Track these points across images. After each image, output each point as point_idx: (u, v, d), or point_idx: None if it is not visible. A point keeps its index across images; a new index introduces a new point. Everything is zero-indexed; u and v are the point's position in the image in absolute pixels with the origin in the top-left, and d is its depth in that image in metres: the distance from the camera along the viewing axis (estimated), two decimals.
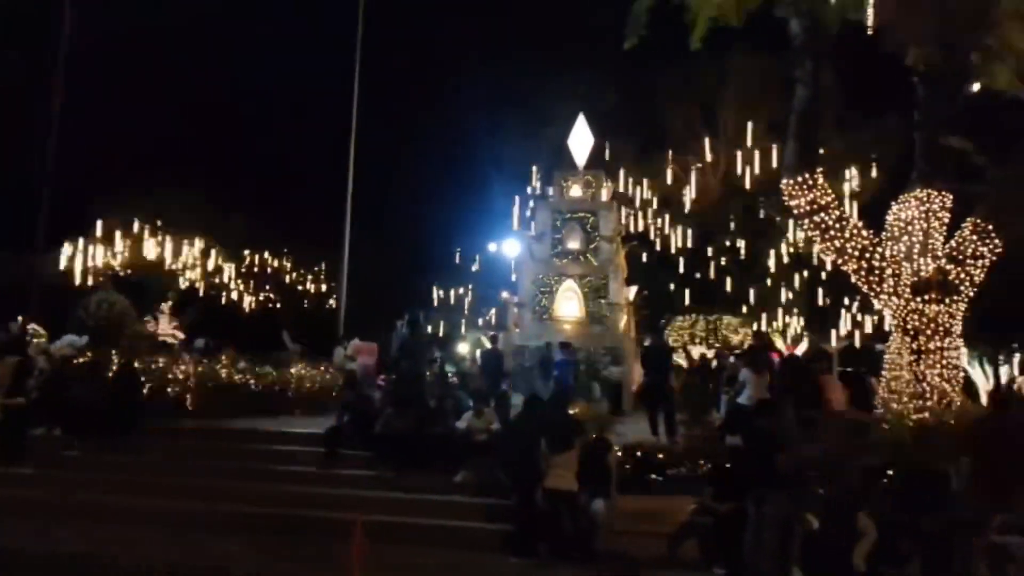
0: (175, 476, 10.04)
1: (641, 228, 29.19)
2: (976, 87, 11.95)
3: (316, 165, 31.78)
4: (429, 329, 26.72)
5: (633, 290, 22.54)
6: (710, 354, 21.06)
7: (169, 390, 12.50)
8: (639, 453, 9.43)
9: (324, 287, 34.87)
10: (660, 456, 9.42)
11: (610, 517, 8.38)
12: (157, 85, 29.43)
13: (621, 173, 27.09)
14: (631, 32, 12.12)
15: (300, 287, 34.93)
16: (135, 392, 11.42)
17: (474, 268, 31.04)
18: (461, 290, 32.15)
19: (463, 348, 29.09)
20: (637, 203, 28.80)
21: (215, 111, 30.89)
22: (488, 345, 17.36)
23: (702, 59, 22.55)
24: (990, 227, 10.93)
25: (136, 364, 12.13)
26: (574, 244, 20.87)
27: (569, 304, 20.22)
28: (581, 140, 22.68)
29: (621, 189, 27.01)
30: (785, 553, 7.46)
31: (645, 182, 28.64)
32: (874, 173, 26.26)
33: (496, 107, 32.26)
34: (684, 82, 29.60)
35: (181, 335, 19.81)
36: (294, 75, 32.59)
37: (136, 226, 26.11)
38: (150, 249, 26.27)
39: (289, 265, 34.27)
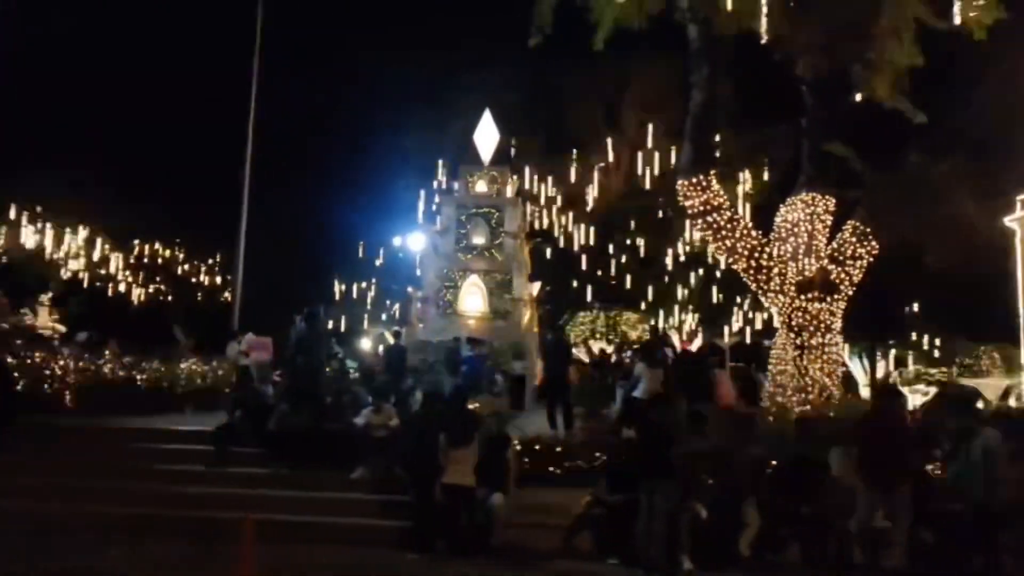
0: (48, 477, 9.41)
1: (546, 225, 29.58)
2: (858, 97, 12.62)
3: (213, 153, 30.61)
4: (330, 324, 26.23)
5: (536, 286, 22.80)
6: (610, 349, 21.56)
7: (46, 386, 11.78)
8: (537, 447, 9.55)
9: (219, 279, 33.69)
10: (558, 450, 9.56)
11: (508, 511, 8.44)
12: (44, 68, 27.69)
13: (527, 170, 27.35)
14: (536, 30, 12.21)
15: (193, 279, 33.62)
16: (6, 388, 10.69)
17: (378, 262, 30.61)
18: (364, 284, 31.65)
19: (366, 343, 28.69)
20: (542, 200, 29.16)
21: (107, 95, 29.32)
22: (391, 340, 17.21)
23: (606, 60, 23.00)
24: (868, 230, 11.60)
25: (9, 359, 11.37)
26: (479, 239, 20.94)
27: (473, 299, 20.29)
28: (487, 136, 22.76)
29: (526, 186, 27.28)
30: (674, 542, 7.71)
31: (550, 179, 29.02)
32: (766, 176, 27.46)
33: (402, 100, 31.95)
34: (588, 82, 30.08)
35: (62, 328, 18.69)
36: (191, 60, 31.33)
37: (13, 212, 24.50)
38: (28, 237, 24.69)
39: (182, 256, 32.93)
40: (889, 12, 11.31)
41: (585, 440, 9.81)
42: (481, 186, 21.86)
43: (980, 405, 14.24)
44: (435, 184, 26.12)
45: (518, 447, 9.37)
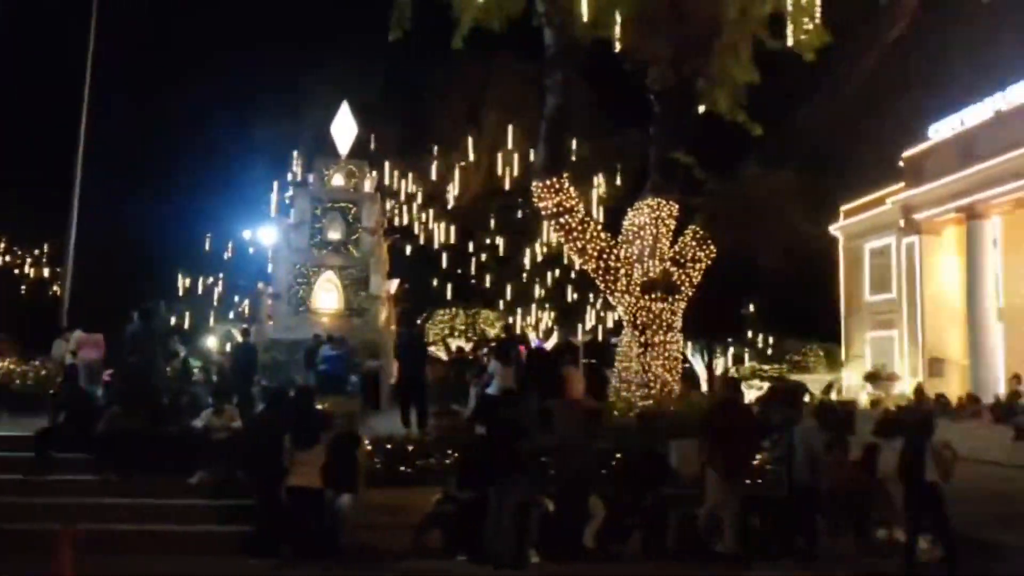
0: None
1: (405, 222, 29.38)
2: (702, 109, 13.31)
3: (43, 136, 28.14)
4: (172, 321, 24.83)
5: (394, 283, 22.57)
6: (468, 347, 21.68)
7: None
8: (389, 446, 9.45)
9: (46, 271, 31.05)
10: (410, 448, 9.50)
11: (357, 512, 8.30)
12: None
13: (386, 165, 27.05)
14: (395, 24, 12.05)
15: (16, 271, 30.82)
16: None
17: (226, 256, 29.27)
18: (211, 279, 30.16)
19: (212, 341, 27.35)
20: (402, 196, 28.93)
21: None
22: (240, 339, 16.50)
23: (469, 58, 23.10)
24: (707, 235, 12.29)
25: None
26: (335, 234, 20.44)
27: (328, 296, 19.79)
28: (344, 128, 22.24)
29: (386, 181, 26.97)
30: (522, 536, 7.86)
31: (410, 176, 28.84)
32: (619, 181, 28.56)
33: (257, 89, 30.72)
34: (451, 79, 30.15)
35: None
36: (17, 35, 28.60)
37: None
38: None
39: (3, 246, 30.09)
40: (729, 30, 12.00)
41: (438, 438, 9.81)
42: (338, 179, 21.34)
43: (806, 398, 15.48)
44: (289, 176, 25.32)
45: (369, 447, 9.24)
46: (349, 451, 8.45)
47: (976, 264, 29.12)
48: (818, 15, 11.52)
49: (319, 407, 9.18)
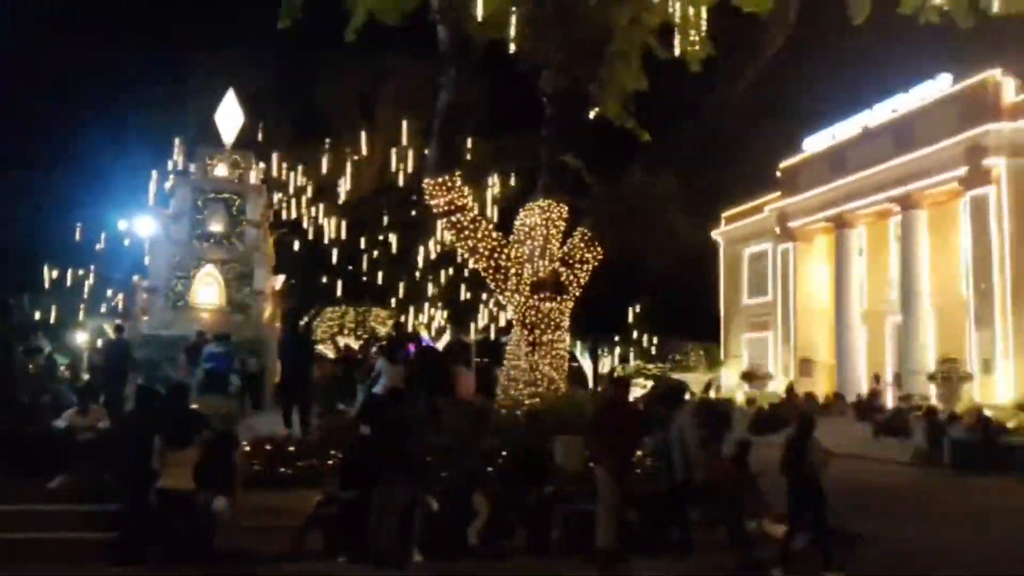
0: None
1: (294, 216, 28.57)
2: (592, 114, 13.59)
3: None
4: (37, 315, 23.22)
5: (280, 279, 21.95)
6: (356, 345, 21.31)
7: None
8: (269, 447, 9.16)
9: None
10: (291, 449, 9.24)
11: (233, 515, 7.99)
12: None
13: (274, 157, 26.20)
14: (285, 13, 11.69)
15: None
16: None
17: (98, 247, 27.52)
18: (81, 271, 28.31)
19: (81, 337, 25.73)
20: (291, 189, 28.11)
21: None
22: (113, 334, 15.62)
23: (363, 51, 22.69)
24: (595, 237, 12.55)
25: None
26: (217, 227, 19.67)
27: (208, 291, 19.02)
28: (230, 117, 21.44)
29: (274, 173, 26.14)
30: (406, 535, 7.79)
31: (300, 168, 28.06)
32: (513, 181, 28.77)
33: (136, 71, 29.12)
34: (344, 72, 29.56)
35: None
36: None
37: None
38: None
39: None
40: (620, 38, 12.31)
41: (321, 439, 9.59)
42: (222, 170, 20.53)
43: (687, 396, 16.04)
44: (170, 164, 24.03)
45: (247, 448, 8.92)
46: (225, 452, 8.12)
47: (843, 271, 31.11)
48: (704, 28, 11.99)
49: (193, 406, 8.78)
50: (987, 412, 19.69)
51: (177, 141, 24.69)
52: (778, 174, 34.64)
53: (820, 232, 32.94)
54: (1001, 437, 18.13)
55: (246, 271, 19.38)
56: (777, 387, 30.82)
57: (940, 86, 26.81)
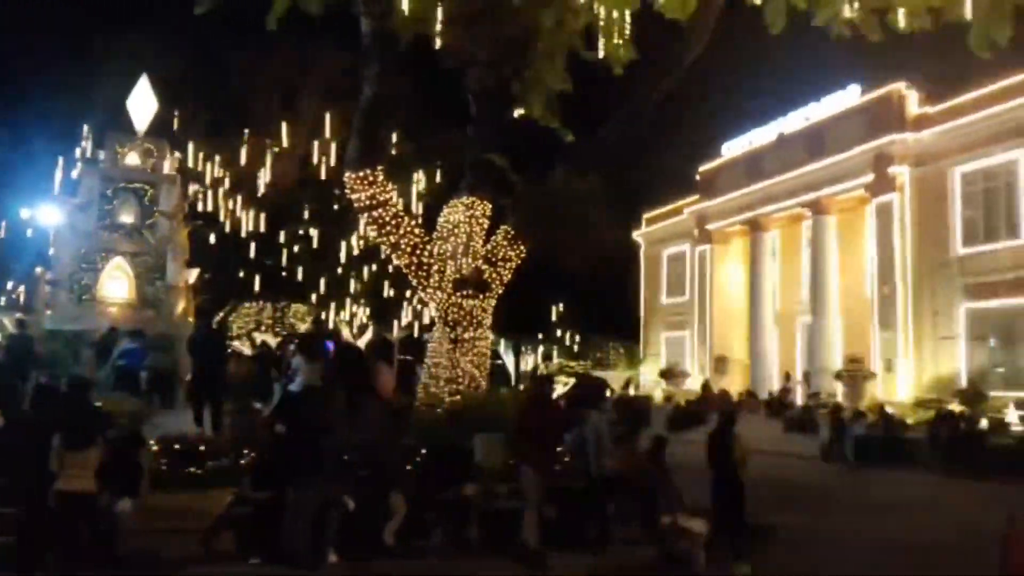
0: None
1: (210, 207, 27.62)
2: (517, 113, 13.62)
3: None
4: None
5: (194, 273, 21.24)
6: (274, 342, 20.82)
7: None
8: (178, 447, 8.85)
9: None
10: (201, 449, 8.96)
11: (139, 517, 7.69)
12: None
13: (190, 146, 25.27)
14: None
15: None
16: None
17: None
18: None
19: None
20: (207, 180, 27.18)
21: None
22: (14, 329, 14.80)
23: (286, 40, 22.15)
24: (518, 235, 12.60)
25: None
26: (127, 218, 18.91)
27: (117, 284, 18.26)
28: (143, 103, 20.62)
29: (189, 163, 25.23)
30: (321, 536, 7.64)
31: (217, 159, 27.16)
32: (439, 178, 28.58)
33: (43, 52, 27.66)
34: (265, 61, 28.80)
35: None
36: None
37: None
38: None
39: None
40: (545, 38, 12.36)
41: (233, 438, 9.32)
42: (133, 158, 19.73)
43: (608, 393, 16.30)
44: (77, 152, 22.92)
45: (155, 447, 8.60)
46: (131, 452, 7.80)
47: (757, 273, 32.17)
48: (627, 32, 12.16)
49: (97, 404, 8.39)
50: (889, 409, 20.72)
51: (85, 127, 23.56)
52: (697, 178, 35.56)
53: (736, 235, 33.97)
54: (901, 432, 19.10)
55: (158, 264, 18.69)
56: (694, 384, 31.66)
57: (850, 96, 28.01)
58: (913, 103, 26.02)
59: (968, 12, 9.05)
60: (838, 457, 18.58)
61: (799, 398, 27.48)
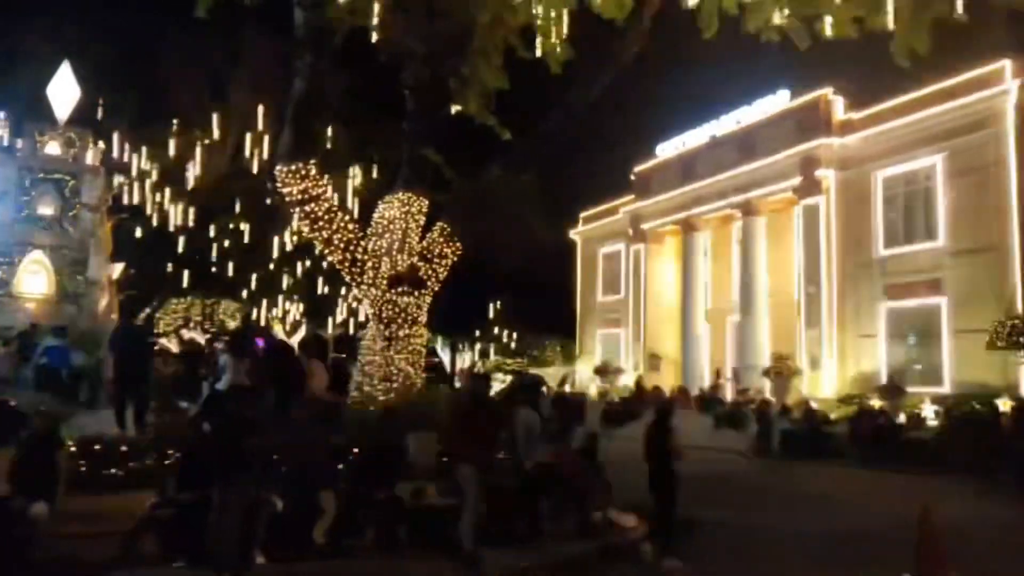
0: None
1: (136, 200, 26.71)
2: (454, 109, 13.56)
3: None
4: None
5: (119, 267, 20.54)
6: (202, 339, 20.29)
7: None
8: (98, 447, 8.52)
9: None
10: (123, 449, 8.64)
11: (55, 521, 7.37)
12: None
13: (115, 136, 24.40)
14: None
15: None
16: None
17: None
18: None
19: None
20: (133, 172, 26.26)
21: None
22: None
23: (217, 29, 21.52)
24: (454, 232, 12.56)
25: None
26: (47, 210, 18.17)
27: (35, 279, 17.54)
28: (65, 91, 19.81)
29: (114, 154, 24.35)
30: (248, 537, 7.46)
31: (144, 150, 26.28)
32: (375, 173, 28.28)
33: None
34: (195, 50, 27.94)
35: None
36: None
37: None
38: None
39: None
40: (482, 35, 12.35)
41: (157, 438, 9.03)
42: (54, 148, 18.96)
43: (544, 390, 16.40)
44: None
45: (73, 448, 8.26)
46: (46, 453, 7.47)
47: (690, 272, 32.82)
48: (565, 31, 12.22)
49: (11, 403, 8.03)
50: (813, 404, 21.41)
51: (2, 114, 22.49)
52: (632, 178, 36.06)
53: (670, 234, 34.58)
54: (825, 427, 19.75)
55: (80, 258, 18.02)
56: (628, 381, 32.12)
57: (779, 101, 28.80)
58: (839, 109, 26.90)
59: (890, 22, 9.40)
60: (765, 452, 19.12)
61: (729, 394, 28.15)
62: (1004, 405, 18.05)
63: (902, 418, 19.54)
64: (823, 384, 25.61)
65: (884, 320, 25.21)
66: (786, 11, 10.03)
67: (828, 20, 9.93)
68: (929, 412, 20.29)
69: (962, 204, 23.10)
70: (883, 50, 9.89)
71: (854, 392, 23.61)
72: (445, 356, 41.33)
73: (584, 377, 36.00)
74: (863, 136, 25.87)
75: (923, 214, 24.43)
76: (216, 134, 26.51)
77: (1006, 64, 22.09)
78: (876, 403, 20.85)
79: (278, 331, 29.57)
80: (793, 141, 27.33)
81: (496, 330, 39.67)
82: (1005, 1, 8.32)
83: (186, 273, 28.17)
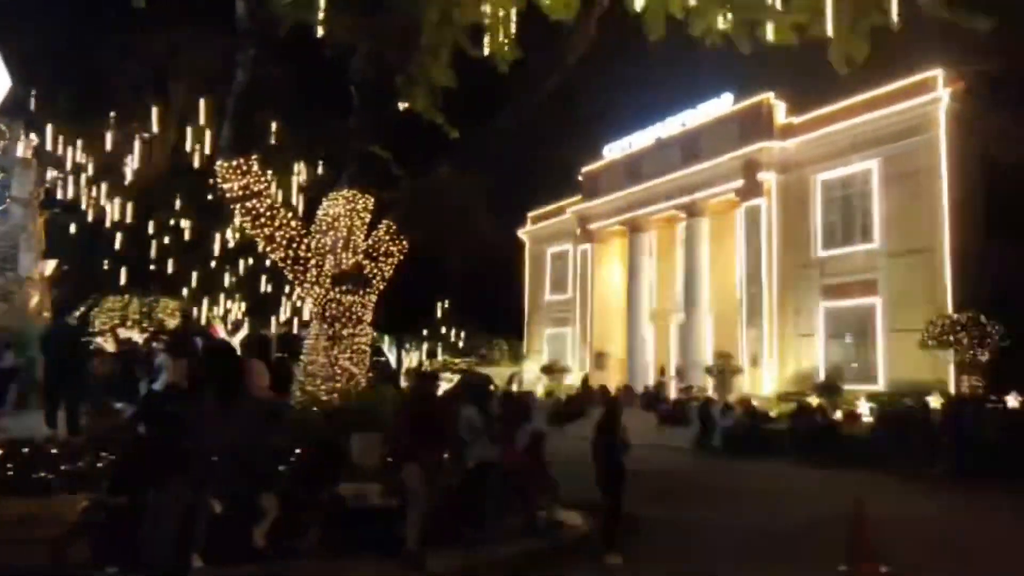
0: None
1: (71, 195, 25.83)
2: (401, 106, 13.42)
3: None
4: None
5: (51, 264, 19.81)
6: (141, 338, 19.75)
7: None
8: (26, 450, 8.21)
9: None
10: (54, 452, 8.34)
11: None
12: None
13: (49, 128, 23.54)
14: None
15: None
16: None
17: None
18: None
19: None
20: (68, 165, 25.38)
21: None
22: None
23: (157, 20, 20.98)
24: (401, 230, 12.43)
25: None
26: None
27: None
28: None
29: (48, 146, 23.49)
30: (185, 542, 7.27)
31: (80, 143, 25.42)
32: (320, 169, 27.85)
33: None
34: (135, 41, 27.15)
35: None
36: None
37: None
38: None
39: None
40: (430, 32, 12.24)
41: (89, 440, 8.74)
42: None
43: (492, 388, 16.40)
44: None
45: (0, 451, 7.94)
46: None
47: (635, 271, 33.23)
48: (513, 30, 12.21)
49: None
50: (754, 402, 21.89)
51: None
52: (580, 178, 36.33)
53: (616, 235, 34.95)
54: (765, 424, 20.21)
55: (10, 254, 17.33)
56: (574, 379, 32.36)
57: (723, 104, 29.36)
58: (780, 113, 27.56)
59: (830, 30, 9.63)
60: (708, 448, 19.45)
61: (672, 392, 28.59)
62: (935, 402, 18.75)
63: (839, 415, 20.11)
64: (764, 382, 26.20)
65: (822, 319, 25.91)
66: (729, 16, 10.20)
67: (770, 26, 10.13)
68: (865, 409, 20.94)
69: (897, 207, 23.88)
70: (823, 56, 10.13)
71: (793, 390, 24.22)
72: (392, 355, 41.03)
73: (532, 376, 36.13)
74: (803, 140, 26.54)
75: (860, 217, 25.19)
76: (156, 128, 25.78)
77: (938, 73, 22.93)
78: (814, 401, 21.42)
79: (220, 330, 28.94)
80: (736, 144, 27.89)
81: (444, 329, 39.52)
82: (937, 13, 8.60)
83: (123, 270, 27.31)
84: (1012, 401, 17.87)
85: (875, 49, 9.93)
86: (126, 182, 26.25)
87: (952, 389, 20.75)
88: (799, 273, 26.50)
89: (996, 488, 13.29)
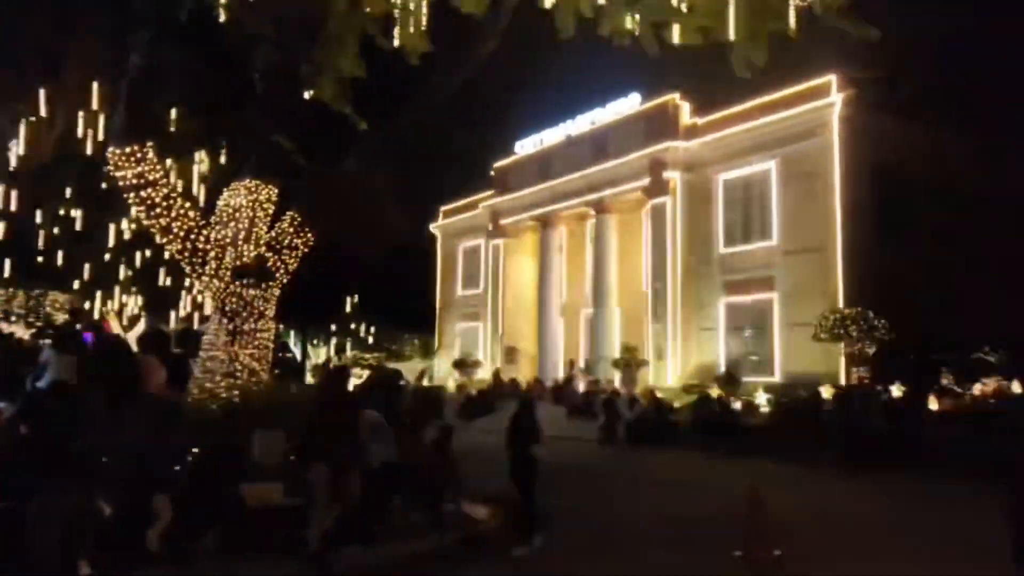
0: None
1: None
2: (307, 95, 13.08)
3: None
4: None
5: None
6: (26, 334, 18.63)
7: None
8: None
9: None
10: None
11: None
12: None
13: None
14: None
15: None
16: None
17: None
18: None
19: None
20: None
21: None
22: None
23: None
24: (306, 222, 12.14)
25: None
26: None
27: None
28: None
29: None
30: (72, 548, 6.90)
31: None
32: (223, 159, 26.86)
33: None
34: (21, 19, 25.48)
35: None
36: None
37: None
38: None
39: None
40: (337, 21, 11.98)
41: None
42: None
43: (402, 383, 16.26)
44: None
45: None
46: None
47: (546, 266, 33.59)
48: (424, 23, 12.07)
49: None
50: (659, 394, 22.47)
51: None
52: (492, 173, 36.41)
53: (528, 230, 35.22)
54: (669, 415, 20.78)
55: None
56: (485, 374, 32.45)
57: (631, 103, 29.97)
58: (686, 113, 28.35)
59: (732, 34, 9.94)
60: (614, 440, 19.86)
61: (581, 385, 29.06)
62: (827, 392, 19.70)
63: (738, 406, 20.88)
64: (668, 374, 26.95)
65: (723, 314, 26.85)
66: (637, 17, 10.39)
67: (676, 28, 10.38)
68: (762, 400, 21.80)
69: (793, 207, 24.96)
70: (727, 60, 10.45)
71: (695, 382, 25.01)
72: (298, 351, 40.11)
73: (443, 371, 36.02)
74: (706, 140, 27.39)
75: (759, 215, 26.20)
76: (44, 111, 24.27)
77: (832, 79, 24.07)
78: (715, 392, 22.17)
79: (114, 325, 27.59)
80: (643, 143, 28.54)
81: (353, 324, 38.90)
82: (831, 22, 9.00)
83: (8, 262, 25.65)
84: (895, 391, 18.95)
85: (775, 54, 10.31)
86: (10, 168, 24.62)
87: (843, 380, 21.86)
88: (702, 269, 27.36)
89: (882, 474, 14.09)
